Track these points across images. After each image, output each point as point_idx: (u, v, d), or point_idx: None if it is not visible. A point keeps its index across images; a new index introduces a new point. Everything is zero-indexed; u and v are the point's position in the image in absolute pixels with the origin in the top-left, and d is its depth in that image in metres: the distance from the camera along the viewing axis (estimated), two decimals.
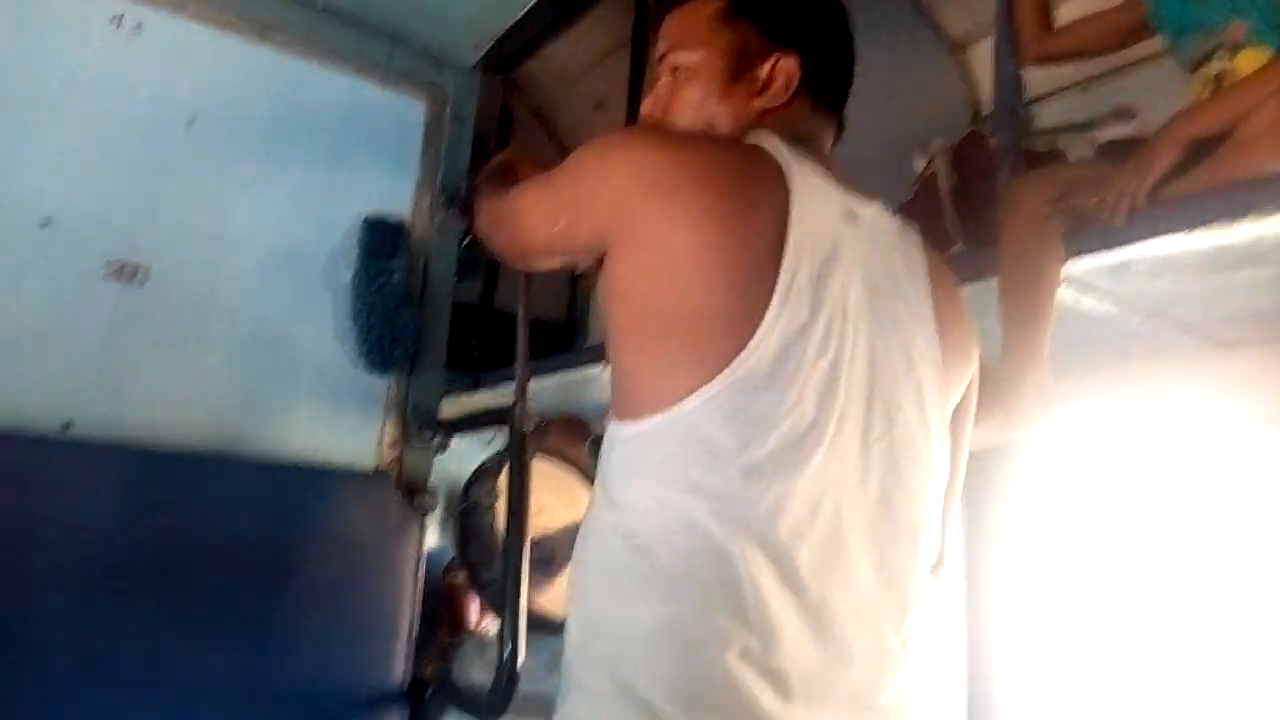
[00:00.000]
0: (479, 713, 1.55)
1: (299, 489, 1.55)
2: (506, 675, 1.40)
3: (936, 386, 1.09)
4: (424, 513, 1.63)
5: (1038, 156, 1.60)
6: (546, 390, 2.48)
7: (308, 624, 1.51)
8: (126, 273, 1.47)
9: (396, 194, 1.73)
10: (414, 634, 1.58)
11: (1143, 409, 1.91)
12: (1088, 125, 1.65)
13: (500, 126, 2.90)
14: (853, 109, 1.18)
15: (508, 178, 1.40)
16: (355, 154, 1.70)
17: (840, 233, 1.01)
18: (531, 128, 3.03)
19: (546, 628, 1.77)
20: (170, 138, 1.54)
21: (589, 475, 2.03)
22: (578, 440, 1.92)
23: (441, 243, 1.76)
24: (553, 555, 1.97)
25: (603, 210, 0.99)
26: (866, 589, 0.98)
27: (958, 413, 1.15)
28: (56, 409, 1.40)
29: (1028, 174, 1.52)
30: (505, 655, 1.41)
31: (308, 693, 1.49)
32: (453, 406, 1.85)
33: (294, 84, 1.66)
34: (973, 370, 1.18)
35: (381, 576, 1.57)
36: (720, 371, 0.91)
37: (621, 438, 0.98)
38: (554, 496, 2.04)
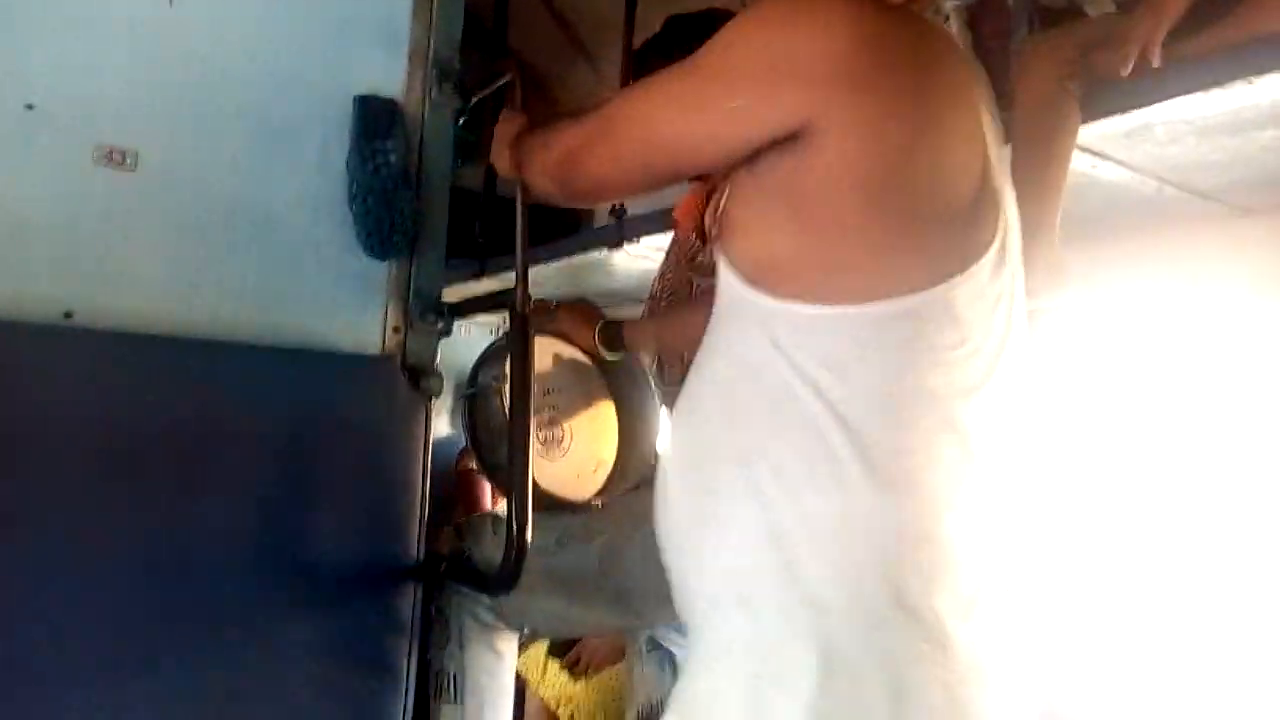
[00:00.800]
0: (488, 588, 1.60)
1: (305, 373, 1.55)
2: (515, 551, 1.43)
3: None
4: (430, 396, 1.64)
5: (1055, 14, 1.53)
6: (552, 276, 2.47)
7: (319, 504, 1.53)
8: (115, 158, 1.44)
9: (388, 71, 1.67)
10: (425, 513, 1.61)
11: (1161, 277, 1.88)
12: None
13: (498, 3, 2.79)
14: None
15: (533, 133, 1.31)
16: (344, 29, 1.64)
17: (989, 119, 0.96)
18: (530, 2, 2.91)
19: (557, 506, 1.80)
20: (153, 14, 1.48)
21: (596, 359, 2.03)
22: (587, 324, 1.91)
23: (436, 121, 1.71)
24: (564, 435, 1.99)
25: (809, 84, 0.86)
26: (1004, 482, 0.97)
27: None
28: (57, 298, 1.39)
29: (1044, 33, 1.45)
30: (514, 532, 1.43)
31: (321, 570, 1.52)
32: (458, 294, 1.84)
33: None
34: None
35: (391, 458, 1.59)
36: (975, 261, 0.86)
37: (820, 320, 0.89)
38: (565, 377, 2.05)
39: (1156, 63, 1.25)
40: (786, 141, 0.89)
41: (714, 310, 1.04)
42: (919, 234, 0.87)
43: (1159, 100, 1.29)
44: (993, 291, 0.89)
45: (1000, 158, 0.96)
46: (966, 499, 0.89)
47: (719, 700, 0.90)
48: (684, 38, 1.94)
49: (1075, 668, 1.95)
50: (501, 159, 1.44)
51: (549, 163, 1.17)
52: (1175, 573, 1.85)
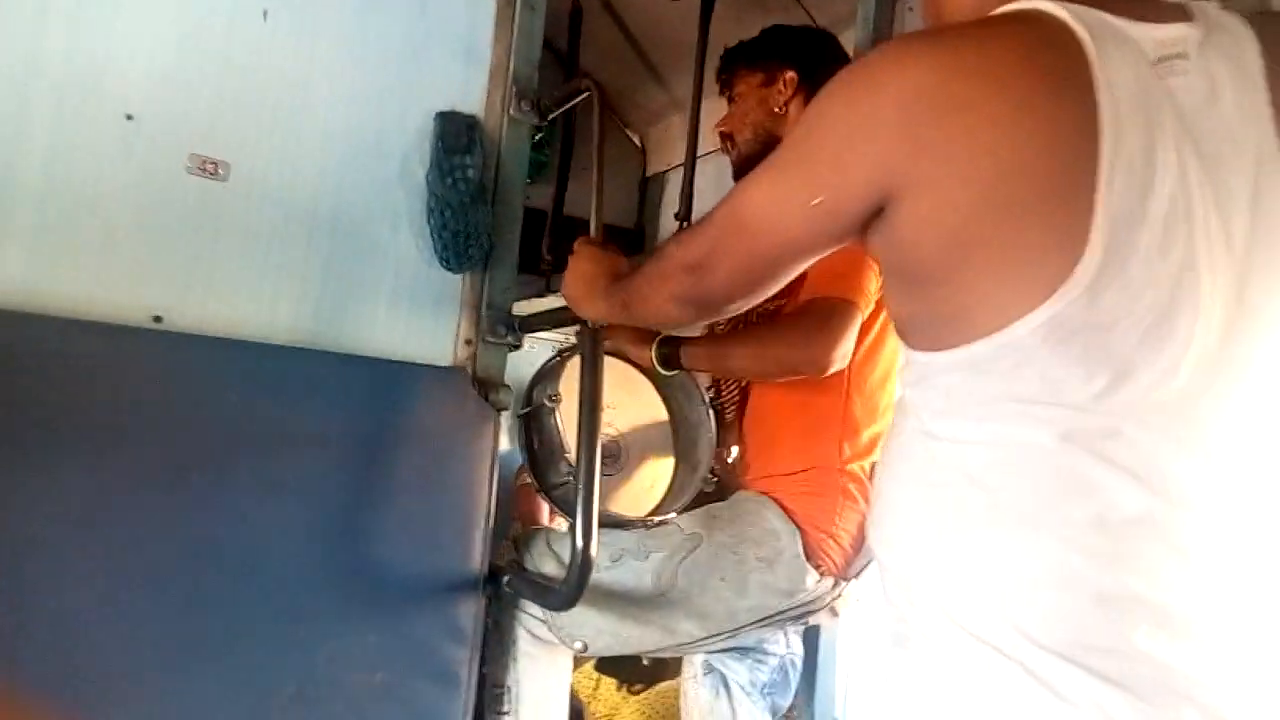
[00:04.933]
0: (553, 603, 1.60)
1: (380, 382, 1.59)
2: (580, 568, 1.44)
3: None
4: (499, 409, 1.66)
5: None
6: None
7: (388, 512, 1.56)
8: (208, 168, 1.49)
9: (468, 88, 1.71)
10: (491, 526, 1.63)
11: None
12: None
13: (571, 25, 2.83)
14: None
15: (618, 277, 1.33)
16: (427, 47, 1.68)
17: (1155, 90, 0.85)
18: (603, 24, 2.95)
19: (611, 523, 1.80)
20: (246, 31, 1.53)
21: (653, 377, 2.03)
22: (643, 341, 1.91)
23: (513, 138, 1.74)
24: (619, 451, 1.99)
25: (879, 155, 0.85)
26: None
27: None
28: (147, 303, 1.45)
29: None
30: (579, 549, 1.44)
31: (388, 577, 1.55)
32: (523, 310, 1.86)
33: None
34: None
35: (459, 469, 1.61)
36: (1054, 291, 0.80)
37: (934, 367, 0.90)
38: (621, 394, 2.05)
39: None
40: (874, 217, 0.90)
41: None
42: (1002, 272, 0.84)
43: None
44: (1102, 315, 0.81)
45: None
46: (1124, 534, 0.83)
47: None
48: (775, 50, 1.94)
49: None
50: (595, 306, 1.44)
51: (677, 289, 1.13)
52: None
